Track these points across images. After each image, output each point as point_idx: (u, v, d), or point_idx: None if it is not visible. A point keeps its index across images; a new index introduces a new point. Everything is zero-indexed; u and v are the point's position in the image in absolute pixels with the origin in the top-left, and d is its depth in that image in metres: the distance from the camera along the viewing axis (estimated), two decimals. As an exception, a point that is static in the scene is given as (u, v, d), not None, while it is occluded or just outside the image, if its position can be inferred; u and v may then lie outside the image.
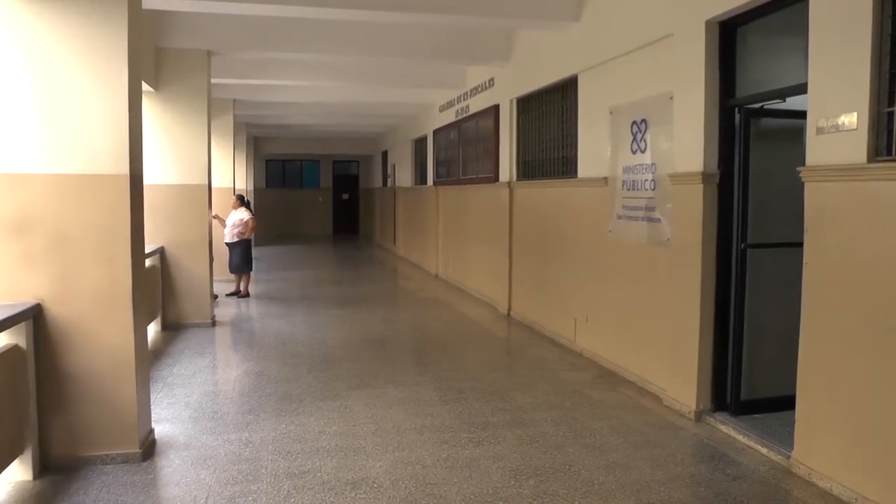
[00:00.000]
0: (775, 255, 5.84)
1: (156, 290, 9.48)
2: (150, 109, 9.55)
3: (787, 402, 5.11)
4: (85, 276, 4.87)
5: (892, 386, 4.12)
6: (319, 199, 30.72)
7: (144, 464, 4.99)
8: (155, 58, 9.53)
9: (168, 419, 5.97)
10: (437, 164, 16.13)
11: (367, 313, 11.22)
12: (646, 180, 6.89)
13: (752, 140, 5.72)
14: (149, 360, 5.91)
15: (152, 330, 9.37)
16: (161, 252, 9.74)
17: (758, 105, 5.71)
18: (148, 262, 8.89)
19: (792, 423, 4.89)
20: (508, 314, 10.84)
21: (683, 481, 4.77)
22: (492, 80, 11.61)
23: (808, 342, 4.73)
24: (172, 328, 9.78)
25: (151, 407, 5.60)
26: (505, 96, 10.94)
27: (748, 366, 5.88)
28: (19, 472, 4.71)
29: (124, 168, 4.89)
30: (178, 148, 9.77)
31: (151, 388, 5.94)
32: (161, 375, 7.35)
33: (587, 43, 8.12)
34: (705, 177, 5.84)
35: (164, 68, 9.65)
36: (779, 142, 5.90)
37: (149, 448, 5.21)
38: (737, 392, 5.88)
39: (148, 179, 7.82)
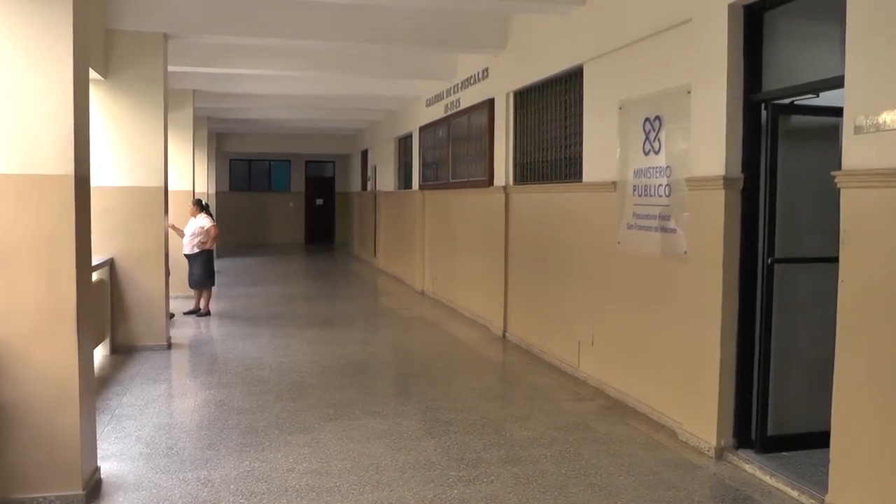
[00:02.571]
0: (807, 272, 5.84)
1: (104, 307, 9.40)
2: (99, 100, 9.48)
3: (820, 439, 5.08)
4: (21, 291, 4.80)
5: (940, 420, 4.10)
6: (290, 205, 30.68)
7: (87, 507, 4.93)
8: (104, 41, 9.47)
9: (116, 456, 5.90)
10: (424, 165, 16.13)
11: (343, 334, 11.18)
12: (660, 185, 6.89)
13: (780, 140, 5.72)
14: (95, 387, 5.84)
15: (99, 353, 9.28)
16: (110, 264, 9.66)
17: (787, 100, 5.71)
18: (95, 276, 8.80)
19: (826, 463, 4.85)
20: (503, 336, 10.81)
21: (703, 528, 4.74)
22: (486, 70, 11.61)
23: (845, 371, 4.70)
24: (122, 351, 9.69)
25: (97, 442, 5.53)
26: (501, 89, 10.94)
27: (776, 397, 5.86)
28: (-58, 516, 4.64)
29: (68, 168, 4.83)
30: (130, 145, 9.71)
31: (98, 421, 5.86)
32: (109, 405, 7.28)
33: (594, 29, 8.13)
34: (727, 181, 5.84)
35: (115, 54, 9.59)
36: (811, 142, 5.91)
37: (94, 489, 5.13)
38: (763, 426, 5.86)
39: (96, 181, 7.78)
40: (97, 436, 5.60)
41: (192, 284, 12.78)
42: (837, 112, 4.83)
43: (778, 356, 5.84)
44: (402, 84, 15.24)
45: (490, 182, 11.39)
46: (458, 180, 13.47)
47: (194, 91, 15.03)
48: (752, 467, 5.67)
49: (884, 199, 4.43)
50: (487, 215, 11.48)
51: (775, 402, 5.85)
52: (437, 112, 14.70)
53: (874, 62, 4.49)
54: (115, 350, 9.70)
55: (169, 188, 10.26)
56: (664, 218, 6.82)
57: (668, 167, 6.78)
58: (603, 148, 7.99)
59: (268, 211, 30.30)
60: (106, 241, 9.52)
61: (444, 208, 14.50)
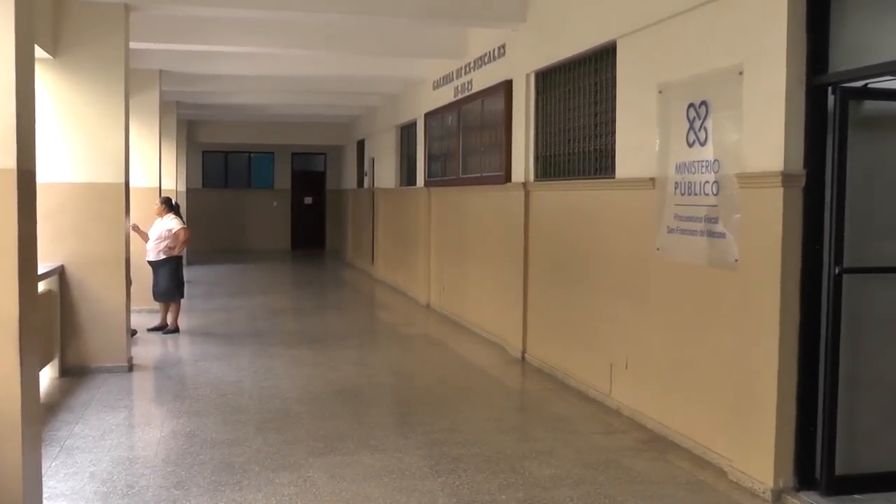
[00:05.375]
0: (882, 283, 5.83)
1: (52, 322, 9.41)
2: (48, 83, 9.50)
3: (898, 480, 5.05)
4: (-45, 303, 4.77)
5: None
6: (274, 204, 30.73)
7: (32, 557, 4.90)
8: (54, 14, 9.48)
9: (66, 495, 5.89)
10: (430, 158, 16.15)
11: (336, 355, 11.18)
12: (706, 182, 6.86)
13: (850, 130, 5.69)
14: (41, 415, 5.82)
15: (46, 376, 9.29)
16: (60, 272, 9.67)
17: (859, 83, 5.69)
18: (42, 286, 8.80)
19: (905, 508, 4.82)
20: (522, 357, 10.80)
21: (758, 586, 4.70)
22: (502, 47, 11.61)
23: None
24: (75, 373, 9.68)
25: (43, 479, 5.50)
26: (520, 70, 10.94)
27: (845, 429, 5.82)
28: None
29: (9, 161, 4.79)
30: (84, 135, 9.72)
31: (44, 454, 5.85)
32: (58, 436, 7.27)
33: (629, -1, 8.12)
34: (786, 178, 5.81)
35: (66, 28, 9.59)
36: (889, 132, 5.86)
37: (38, 536, 5.09)
38: (829, 464, 5.81)
39: (43, 176, 7.75)
40: (43, 472, 5.57)
41: (157, 296, 12.77)
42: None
43: (847, 382, 5.79)
44: (404, 64, 15.23)
45: (507, 178, 11.38)
46: (469, 176, 13.47)
47: (161, 72, 15.08)
48: (815, 513, 5.64)
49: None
50: (504, 217, 11.47)
51: (844, 436, 5.81)
52: (445, 96, 14.72)
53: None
54: (65, 372, 9.69)
55: (131, 184, 10.25)
56: (711, 220, 6.78)
57: (715, 161, 6.74)
58: (639, 139, 7.97)
59: (247, 211, 30.35)
60: (55, 245, 9.52)
61: (454, 208, 14.50)
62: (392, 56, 14.06)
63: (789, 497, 5.87)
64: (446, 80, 14.55)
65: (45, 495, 5.49)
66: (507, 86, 11.37)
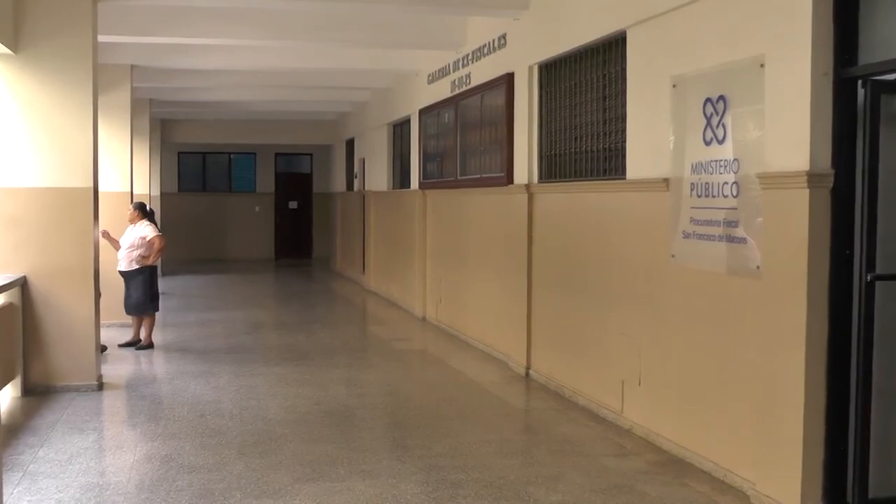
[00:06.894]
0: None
1: (13, 337, 9.40)
2: (8, 80, 9.52)
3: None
4: None
5: None
6: (256, 209, 30.73)
7: None
8: (14, 6, 9.46)
9: (30, 527, 5.87)
10: (426, 158, 16.15)
11: (324, 372, 11.19)
12: (725, 183, 6.87)
13: (882, 126, 5.70)
14: (1, 438, 5.79)
15: (8, 395, 9.30)
16: (23, 284, 9.66)
17: (893, 76, 5.69)
18: (2, 299, 8.79)
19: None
20: (526, 374, 10.80)
21: None
22: (503, 37, 11.62)
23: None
24: (39, 393, 9.67)
25: (6, 509, 5.50)
26: (522, 61, 10.95)
27: (879, 448, 5.82)
28: None
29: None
30: (49, 136, 9.70)
31: (5, 479, 5.84)
32: (20, 461, 7.25)
33: (641, -15, 8.13)
34: (813, 178, 5.81)
35: (28, 20, 9.56)
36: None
37: (1, 570, 5.08)
38: (861, 486, 5.80)
39: (3, 181, 7.75)
40: (4, 499, 5.58)
41: (129, 309, 12.76)
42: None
43: (880, 397, 5.81)
44: (397, 56, 15.25)
45: (509, 179, 11.39)
46: (468, 177, 13.48)
47: (132, 67, 15.05)
48: (847, 540, 5.64)
49: None
50: (506, 221, 11.48)
51: (878, 455, 5.82)
52: (441, 91, 14.72)
53: None
54: (28, 391, 9.67)
55: (100, 189, 10.25)
56: (731, 224, 6.79)
57: (735, 160, 6.75)
58: (652, 136, 7.98)
59: (227, 217, 30.36)
60: (17, 255, 9.56)
61: (452, 213, 14.52)
62: (383, 47, 14.07)
63: (818, 523, 5.89)
64: (442, 73, 14.55)
65: (7, 526, 5.49)
66: (508, 79, 11.37)
